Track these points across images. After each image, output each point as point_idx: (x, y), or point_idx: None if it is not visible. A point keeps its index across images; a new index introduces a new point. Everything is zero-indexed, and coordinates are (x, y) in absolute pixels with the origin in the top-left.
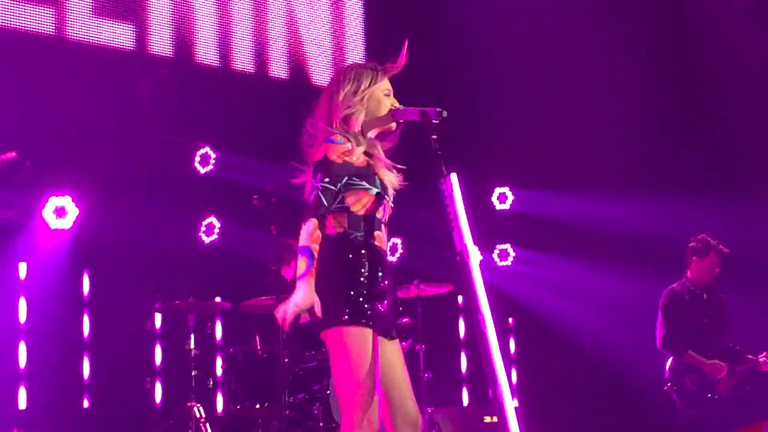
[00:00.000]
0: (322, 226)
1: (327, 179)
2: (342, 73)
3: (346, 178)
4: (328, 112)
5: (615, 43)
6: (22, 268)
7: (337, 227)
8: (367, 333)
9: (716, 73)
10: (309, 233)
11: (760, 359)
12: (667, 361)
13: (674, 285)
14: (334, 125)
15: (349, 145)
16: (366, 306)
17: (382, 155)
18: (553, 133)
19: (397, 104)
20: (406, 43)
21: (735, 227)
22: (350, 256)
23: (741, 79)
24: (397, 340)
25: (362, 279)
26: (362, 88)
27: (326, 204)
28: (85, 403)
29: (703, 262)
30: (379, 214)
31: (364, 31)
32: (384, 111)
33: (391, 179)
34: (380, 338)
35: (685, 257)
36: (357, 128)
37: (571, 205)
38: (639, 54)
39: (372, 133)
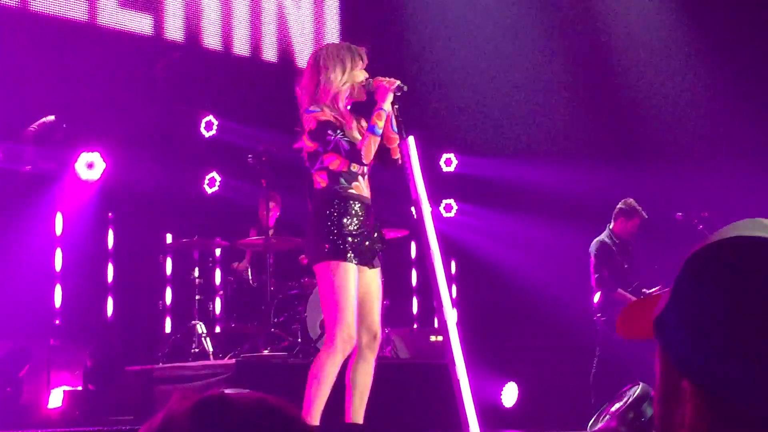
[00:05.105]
0: (310, 183)
1: (336, 132)
2: (327, 52)
3: (339, 130)
4: (316, 87)
5: (543, 30)
6: (59, 213)
7: (321, 183)
8: (348, 266)
9: (625, 62)
10: (370, 145)
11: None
12: (594, 295)
13: (602, 237)
14: (322, 101)
15: (327, 111)
16: (345, 244)
17: (353, 121)
18: (491, 110)
19: (367, 75)
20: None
21: (635, 187)
22: (331, 205)
23: (646, 70)
24: (378, 270)
25: (342, 222)
26: (348, 69)
27: (350, 147)
28: (109, 312)
29: (628, 222)
30: (354, 168)
31: (339, 24)
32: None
33: (358, 138)
34: (363, 268)
35: (612, 214)
36: (342, 103)
37: (504, 168)
38: (561, 40)
39: (344, 102)
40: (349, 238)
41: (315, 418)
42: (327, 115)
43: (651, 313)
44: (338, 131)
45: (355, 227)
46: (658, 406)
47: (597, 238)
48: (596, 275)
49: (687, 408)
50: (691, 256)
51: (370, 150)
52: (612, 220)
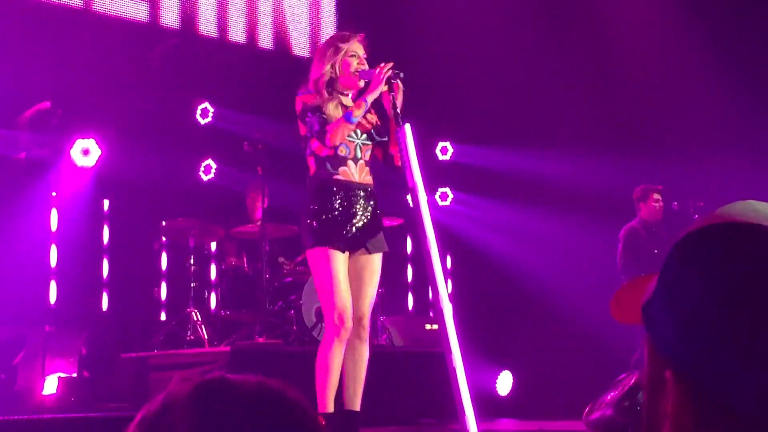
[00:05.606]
0: (306, 169)
1: (316, 113)
2: (317, 47)
3: (319, 112)
4: (306, 78)
5: (540, 18)
6: (54, 199)
7: (311, 169)
8: (332, 252)
9: (623, 52)
10: (339, 129)
11: None
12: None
13: (633, 223)
14: (311, 87)
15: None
16: (327, 231)
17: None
18: (487, 99)
19: (365, 65)
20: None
21: (631, 177)
22: (316, 191)
23: (643, 58)
24: (378, 255)
25: (325, 209)
26: (328, 55)
27: (320, 128)
28: (104, 306)
29: (647, 203)
30: (342, 152)
31: (336, 11)
32: (351, 72)
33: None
34: (354, 254)
35: (632, 203)
36: (326, 89)
37: (500, 157)
38: (559, 28)
39: (346, 91)
40: (331, 225)
41: (328, 406)
42: (313, 98)
43: (641, 298)
44: (318, 112)
45: (339, 213)
46: (645, 395)
47: (627, 225)
48: (622, 261)
49: (670, 397)
50: (679, 241)
51: (336, 134)
52: (636, 210)
